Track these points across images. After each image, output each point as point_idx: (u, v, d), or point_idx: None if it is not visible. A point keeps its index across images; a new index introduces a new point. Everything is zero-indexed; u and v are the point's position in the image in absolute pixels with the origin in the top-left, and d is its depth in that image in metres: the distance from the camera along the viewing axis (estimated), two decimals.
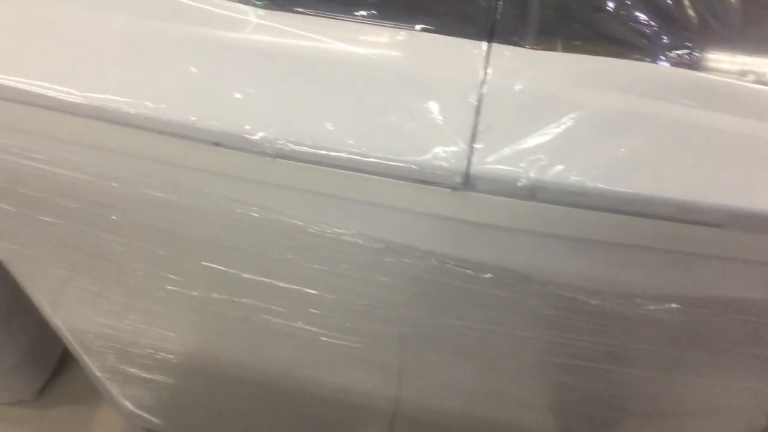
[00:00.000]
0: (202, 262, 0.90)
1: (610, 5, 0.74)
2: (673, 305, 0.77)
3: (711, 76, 0.70)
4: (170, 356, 1.17)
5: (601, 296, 0.78)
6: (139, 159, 0.77)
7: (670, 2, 0.75)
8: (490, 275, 0.79)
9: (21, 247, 1.01)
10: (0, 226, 0.98)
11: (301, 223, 0.79)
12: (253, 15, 0.74)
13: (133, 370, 1.27)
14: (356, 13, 0.74)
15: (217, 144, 0.71)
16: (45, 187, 0.85)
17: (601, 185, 0.65)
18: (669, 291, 0.76)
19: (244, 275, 0.90)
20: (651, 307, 0.78)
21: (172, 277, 0.95)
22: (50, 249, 0.98)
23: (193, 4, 0.74)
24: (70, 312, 1.17)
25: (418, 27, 0.73)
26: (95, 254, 0.96)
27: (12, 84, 0.71)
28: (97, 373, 1.35)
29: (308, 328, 0.97)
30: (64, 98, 0.70)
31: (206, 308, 1.00)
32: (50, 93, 0.70)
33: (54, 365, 1.77)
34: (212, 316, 1.02)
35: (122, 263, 0.95)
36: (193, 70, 0.71)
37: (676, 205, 0.65)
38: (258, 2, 0.75)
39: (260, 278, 0.90)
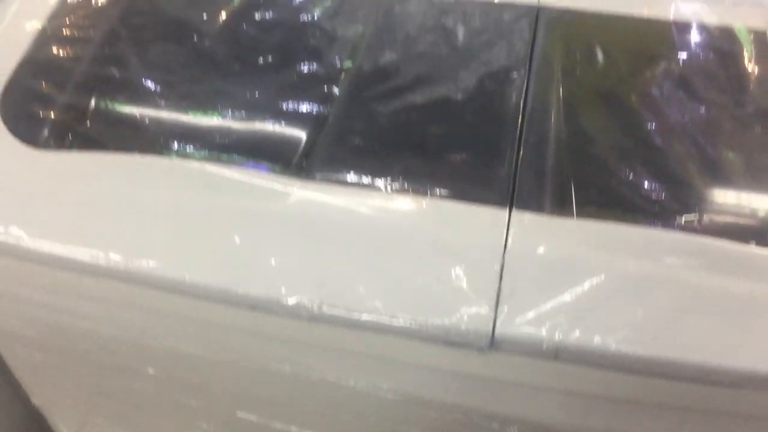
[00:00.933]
0: (235, 413, 0.92)
1: (621, 173, 0.79)
2: None
3: (720, 241, 0.74)
4: None
5: None
6: (178, 319, 0.81)
7: (677, 169, 0.80)
8: (515, 428, 0.80)
9: (57, 394, 1.04)
10: (38, 375, 1.01)
11: (332, 379, 0.81)
12: (291, 186, 0.79)
13: None
14: (384, 181, 0.80)
15: (253, 308, 0.75)
16: (85, 342, 0.89)
17: (622, 348, 0.68)
18: None
19: (274, 425, 0.92)
20: None
21: (203, 426, 0.97)
22: (86, 397, 1.01)
23: (236, 177, 0.80)
24: None
25: (442, 194, 0.79)
26: (129, 403, 0.98)
27: (61, 253, 0.76)
28: None
29: None
30: (111, 266, 0.75)
31: None
32: (100, 262, 0.75)
33: None
34: None
35: (155, 412, 0.98)
36: (236, 239, 0.76)
37: (695, 368, 0.68)
38: (295, 174, 0.81)
39: (290, 428, 0.91)
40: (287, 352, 0.81)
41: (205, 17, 0.98)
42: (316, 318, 0.73)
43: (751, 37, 0.93)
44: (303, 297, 0.73)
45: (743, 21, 0.95)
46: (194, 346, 0.84)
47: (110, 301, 0.81)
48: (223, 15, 0.98)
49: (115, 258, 0.75)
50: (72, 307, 0.84)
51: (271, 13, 0.98)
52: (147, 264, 0.75)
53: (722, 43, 0.93)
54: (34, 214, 0.78)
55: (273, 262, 0.75)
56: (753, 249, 0.73)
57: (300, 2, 1.00)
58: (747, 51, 0.92)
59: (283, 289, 0.73)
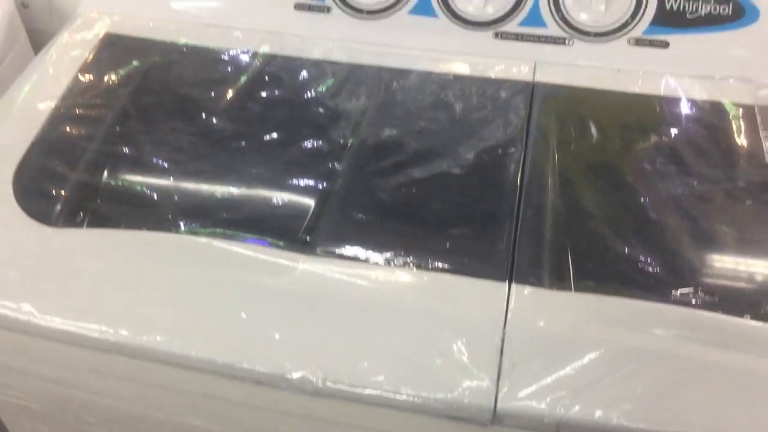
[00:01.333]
0: None
1: (617, 246, 0.81)
2: None
3: (716, 315, 0.75)
4: None
5: None
6: (184, 393, 0.82)
7: (672, 242, 0.82)
8: None
9: None
10: None
11: None
12: (295, 261, 0.81)
13: None
14: (386, 256, 0.82)
15: (258, 382, 0.76)
16: (92, 415, 0.90)
17: (623, 422, 0.69)
18: None
19: None
20: None
21: None
22: None
23: (241, 252, 0.82)
24: None
25: (443, 268, 0.80)
26: None
27: (71, 329, 0.78)
28: None
29: None
30: (120, 341, 0.77)
31: None
32: (109, 337, 0.77)
33: None
34: None
35: None
36: (242, 314, 0.77)
37: None
38: (299, 248, 0.83)
39: None
40: (291, 425, 0.82)
41: (212, 95, 1.01)
42: (319, 392, 0.74)
43: (740, 112, 0.97)
44: (307, 371, 0.74)
45: (731, 96, 0.99)
46: (199, 419, 0.85)
47: (118, 376, 0.82)
48: (230, 93, 1.02)
49: (124, 333, 0.77)
50: (80, 381, 0.85)
51: (276, 91, 1.02)
52: (154, 339, 0.76)
53: (712, 118, 0.97)
54: (45, 291, 0.80)
55: (277, 337, 0.76)
56: (748, 322, 0.75)
57: (303, 80, 1.04)
58: (736, 125, 0.95)
59: (287, 364, 0.74)
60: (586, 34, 1.06)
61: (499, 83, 1.03)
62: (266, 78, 1.05)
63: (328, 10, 1.11)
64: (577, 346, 0.74)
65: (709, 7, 1.03)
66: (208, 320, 0.78)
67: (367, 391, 0.73)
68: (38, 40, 1.49)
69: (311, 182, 0.90)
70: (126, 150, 0.94)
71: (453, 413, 0.72)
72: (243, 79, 1.04)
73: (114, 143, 0.95)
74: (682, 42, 1.04)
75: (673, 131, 0.95)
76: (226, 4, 1.14)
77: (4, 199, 0.88)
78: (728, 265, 0.81)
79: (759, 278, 0.80)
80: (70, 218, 0.86)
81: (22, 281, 0.81)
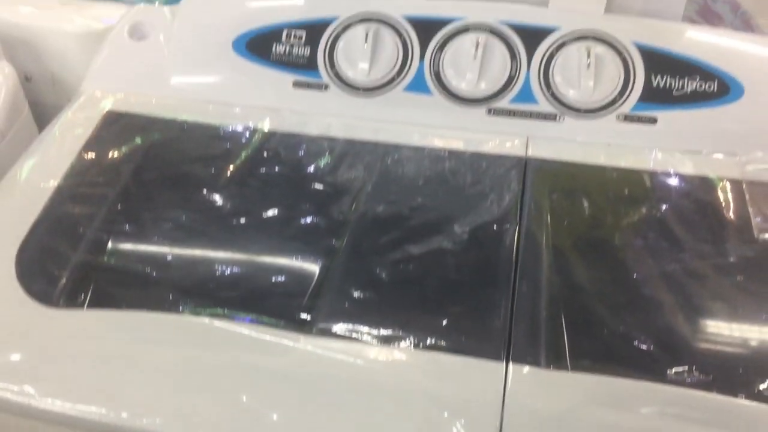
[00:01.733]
0: None
1: (612, 324, 0.83)
2: None
3: (711, 395, 0.76)
4: None
5: None
6: None
7: (666, 320, 0.83)
8: None
9: None
10: None
11: None
12: (294, 341, 0.82)
13: None
14: (384, 335, 0.83)
15: None
16: None
17: None
18: None
19: None
20: None
21: None
22: None
23: (242, 332, 0.83)
24: None
25: (442, 347, 0.81)
26: None
27: (70, 412, 0.78)
28: None
29: None
30: (119, 423, 0.77)
31: None
32: (109, 420, 0.77)
33: None
34: None
35: None
36: (242, 396, 0.78)
37: None
38: (298, 328, 0.84)
39: None
40: None
41: (213, 171, 1.04)
42: None
43: (728, 186, 0.99)
44: None
45: (719, 171, 1.02)
46: None
47: None
48: (230, 169, 1.04)
49: (124, 416, 0.77)
50: None
51: (276, 167, 1.04)
52: (154, 422, 0.77)
53: (701, 193, 0.99)
54: (46, 373, 0.80)
55: (276, 419, 0.77)
56: (743, 402, 0.76)
57: (302, 156, 1.07)
58: (725, 200, 0.97)
59: None
60: (576, 110, 1.09)
61: (493, 158, 1.05)
62: (266, 154, 1.07)
63: (326, 87, 1.14)
64: (575, 428, 0.74)
65: (694, 85, 1.07)
66: (208, 402, 0.78)
67: None
68: (41, 113, 1.53)
69: (310, 259, 0.91)
70: (127, 228, 0.95)
71: None
72: (243, 155, 1.06)
73: (116, 222, 0.96)
74: (669, 118, 1.08)
75: (664, 206, 0.97)
76: (226, 81, 1.18)
77: (6, 280, 0.89)
78: (723, 342, 0.82)
79: (753, 357, 0.81)
80: (71, 298, 0.87)
81: (24, 363, 0.82)
